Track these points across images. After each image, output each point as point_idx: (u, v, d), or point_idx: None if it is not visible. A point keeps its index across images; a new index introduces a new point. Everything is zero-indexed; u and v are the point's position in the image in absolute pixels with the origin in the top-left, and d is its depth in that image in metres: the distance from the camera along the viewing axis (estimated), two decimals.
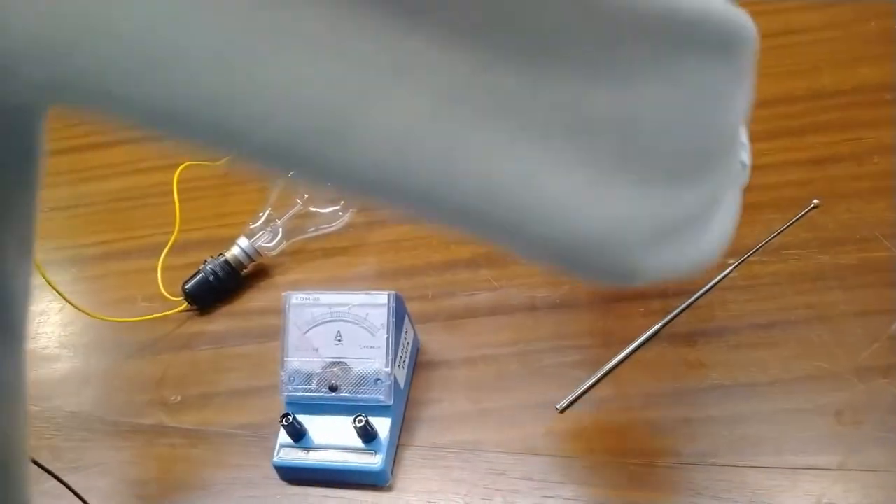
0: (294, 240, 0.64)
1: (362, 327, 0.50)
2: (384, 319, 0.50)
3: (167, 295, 0.62)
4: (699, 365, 0.51)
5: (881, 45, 0.72)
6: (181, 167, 0.71)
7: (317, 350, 0.51)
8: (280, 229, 0.63)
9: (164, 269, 0.63)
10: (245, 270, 0.63)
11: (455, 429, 0.51)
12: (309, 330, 0.51)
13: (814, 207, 0.60)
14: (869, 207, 0.59)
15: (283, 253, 0.64)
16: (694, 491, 0.45)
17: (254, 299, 0.63)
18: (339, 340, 0.50)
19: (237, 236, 0.63)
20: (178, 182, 0.68)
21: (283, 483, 0.50)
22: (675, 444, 0.48)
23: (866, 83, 0.68)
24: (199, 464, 0.52)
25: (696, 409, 0.49)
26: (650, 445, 0.48)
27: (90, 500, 0.48)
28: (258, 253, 0.63)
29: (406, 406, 0.52)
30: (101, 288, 0.68)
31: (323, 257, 0.65)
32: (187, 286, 0.61)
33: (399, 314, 0.51)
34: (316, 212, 0.65)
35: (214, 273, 0.61)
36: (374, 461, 0.48)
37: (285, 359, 0.51)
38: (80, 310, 0.59)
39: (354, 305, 0.50)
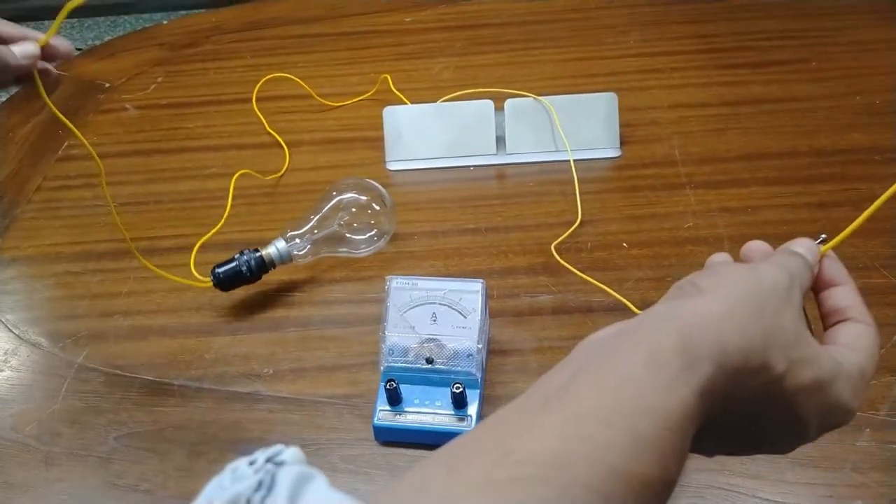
0: (324, 255, 0.69)
1: (455, 310, 0.58)
2: (477, 304, 0.57)
3: (197, 275, 0.67)
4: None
5: (868, 115, 0.85)
6: (238, 174, 0.78)
7: (413, 328, 0.57)
8: (311, 243, 0.68)
9: (203, 263, 0.69)
10: (273, 269, 0.67)
11: None
12: (407, 310, 0.58)
13: (823, 240, 0.70)
14: (867, 244, 0.69)
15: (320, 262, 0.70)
16: (731, 459, 0.53)
17: (332, 292, 0.69)
18: (434, 321, 0.58)
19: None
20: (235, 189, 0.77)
21: (377, 444, 0.56)
22: None
23: (858, 146, 0.80)
24: (296, 426, 0.58)
25: None
26: None
27: (196, 457, 0.53)
28: (290, 257, 0.68)
29: (483, 384, 0.59)
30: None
31: (354, 280, 0.71)
32: (220, 272, 0.65)
33: (485, 301, 0.58)
34: (350, 237, 0.70)
35: (248, 265, 0.66)
36: (465, 425, 0.55)
37: (386, 333, 0.57)
38: (169, 277, 0.65)
39: (450, 291, 0.58)
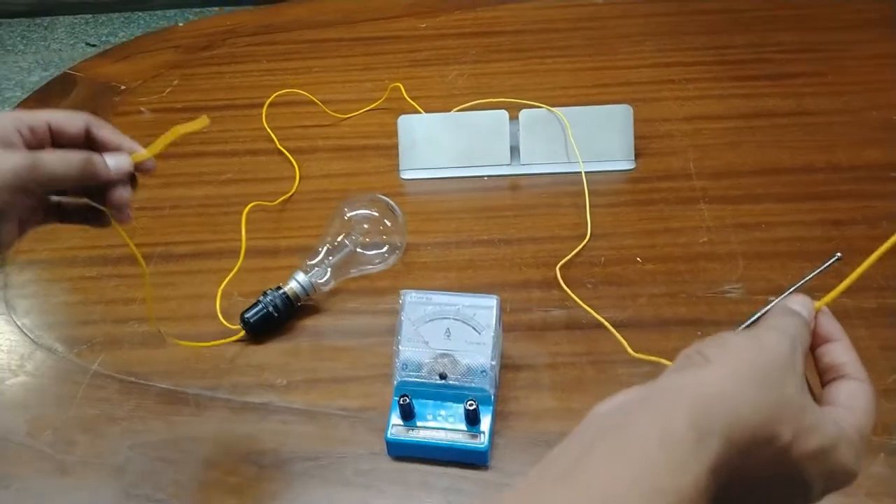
0: (342, 278, 0.69)
1: (470, 325, 0.58)
2: (491, 320, 0.57)
3: (225, 323, 0.67)
4: None
5: (884, 130, 0.84)
6: (251, 205, 0.78)
7: (427, 343, 0.58)
8: (330, 268, 0.68)
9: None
10: (300, 303, 0.67)
11: (543, 421, 0.58)
12: (421, 325, 0.58)
13: (837, 259, 0.70)
14: (881, 263, 0.69)
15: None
16: None
17: (344, 303, 0.69)
18: (448, 336, 0.58)
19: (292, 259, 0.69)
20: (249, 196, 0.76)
21: (389, 458, 0.57)
22: None
23: (874, 162, 0.80)
24: (309, 439, 0.58)
25: None
26: None
27: (210, 468, 0.53)
28: (314, 288, 0.67)
29: (496, 400, 0.60)
30: (184, 281, 0.73)
31: (367, 291, 0.71)
32: (250, 318, 0.65)
33: (499, 317, 0.58)
34: (363, 254, 0.70)
35: (275, 305, 0.65)
36: (478, 441, 0.55)
37: (399, 348, 0.58)
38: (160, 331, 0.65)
39: (464, 306, 0.58)
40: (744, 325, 0.41)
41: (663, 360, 0.58)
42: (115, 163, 0.47)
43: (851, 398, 0.35)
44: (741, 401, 0.30)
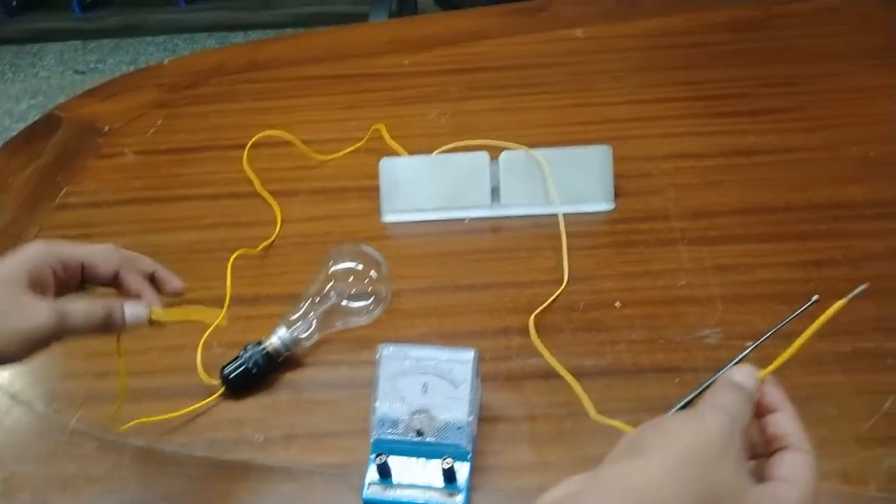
0: (327, 332, 0.69)
1: (447, 380, 0.58)
2: (467, 374, 0.57)
3: (205, 378, 0.67)
4: None
5: (864, 167, 0.85)
6: (235, 254, 0.78)
7: (404, 398, 0.58)
8: (314, 322, 0.68)
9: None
10: (281, 359, 0.67)
11: (521, 476, 0.58)
12: (398, 380, 0.58)
13: (815, 302, 0.70)
14: (860, 305, 0.69)
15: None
16: None
17: (324, 353, 0.69)
18: (425, 391, 0.58)
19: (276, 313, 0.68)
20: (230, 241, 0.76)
21: None
22: None
23: (854, 200, 0.81)
24: (287, 497, 0.58)
25: None
26: None
27: None
28: (295, 343, 0.67)
29: (474, 455, 0.59)
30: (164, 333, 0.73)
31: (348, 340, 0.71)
32: (229, 374, 0.64)
33: (476, 370, 0.58)
34: (348, 306, 0.69)
35: (255, 362, 0.65)
36: (455, 500, 0.55)
37: (376, 404, 0.58)
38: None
39: (441, 360, 0.58)
40: (683, 402, 0.42)
41: (621, 426, 0.58)
42: (132, 315, 0.49)
43: (792, 470, 0.36)
44: (674, 492, 0.32)
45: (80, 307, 0.46)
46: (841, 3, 1.18)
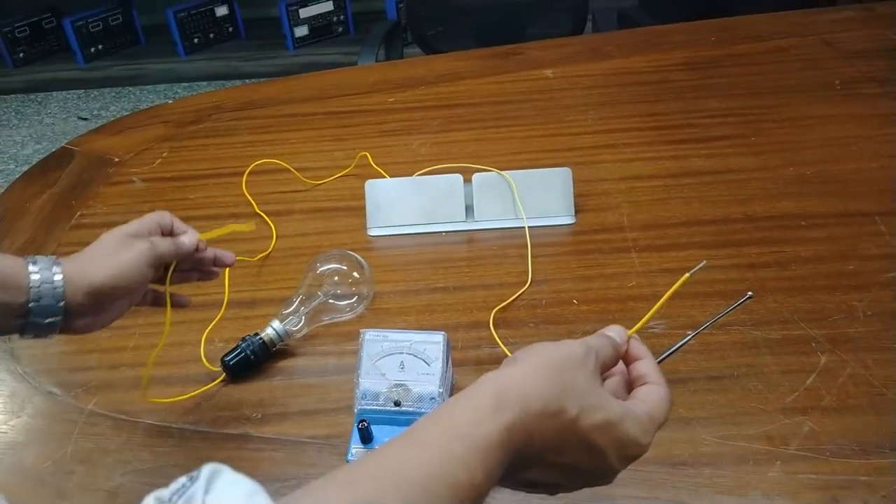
0: (315, 325, 0.78)
1: (420, 358, 0.66)
2: (438, 353, 0.66)
3: (208, 365, 0.76)
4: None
5: (799, 185, 0.95)
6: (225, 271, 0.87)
7: (384, 375, 0.66)
8: (304, 317, 0.77)
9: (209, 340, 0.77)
10: (275, 348, 0.76)
11: None
12: (378, 359, 0.67)
13: (749, 298, 0.79)
14: (789, 300, 0.79)
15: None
16: (656, 486, 0.61)
17: (314, 345, 0.78)
18: (402, 368, 0.66)
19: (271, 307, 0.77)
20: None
21: None
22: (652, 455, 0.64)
23: (787, 212, 0.91)
24: (281, 463, 0.66)
25: (668, 433, 0.66)
26: None
27: None
28: (288, 335, 0.76)
29: None
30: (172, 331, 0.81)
31: (335, 334, 0.81)
32: (230, 361, 0.73)
33: (447, 351, 0.67)
34: (334, 304, 0.79)
35: (252, 350, 0.74)
36: None
37: (360, 380, 0.66)
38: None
39: (416, 342, 0.67)
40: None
41: None
42: (190, 239, 0.67)
43: (645, 393, 0.47)
44: (534, 382, 0.41)
45: (163, 240, 0.65)
46: (789, 45, 1.30)
